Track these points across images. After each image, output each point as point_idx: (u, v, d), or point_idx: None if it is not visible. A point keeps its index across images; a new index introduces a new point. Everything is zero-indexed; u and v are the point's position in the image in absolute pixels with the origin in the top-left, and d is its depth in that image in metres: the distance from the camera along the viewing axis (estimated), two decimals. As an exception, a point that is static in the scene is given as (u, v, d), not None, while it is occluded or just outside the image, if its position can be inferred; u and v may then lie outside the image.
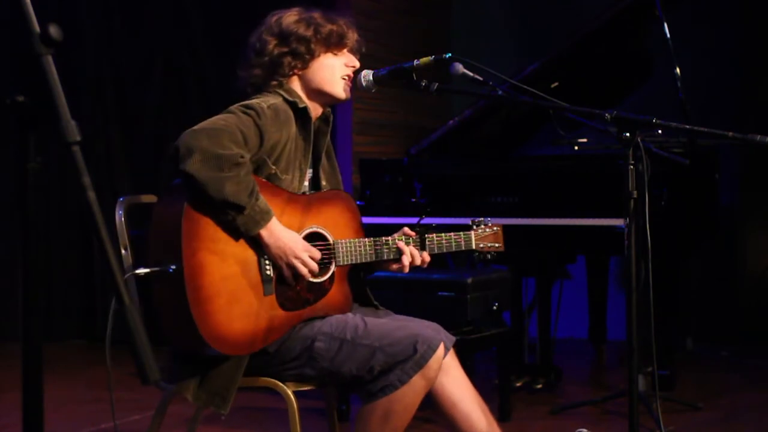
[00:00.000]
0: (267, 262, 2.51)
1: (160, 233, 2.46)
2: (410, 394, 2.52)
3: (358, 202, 4.67)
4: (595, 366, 5.54)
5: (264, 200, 2.46)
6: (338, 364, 2.54)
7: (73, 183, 6.04)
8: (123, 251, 2.61)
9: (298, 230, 2.57)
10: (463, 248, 2.85)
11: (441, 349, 2.54)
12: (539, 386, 4.51)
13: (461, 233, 2.85)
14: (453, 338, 2.64)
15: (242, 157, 2.42)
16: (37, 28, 1.43)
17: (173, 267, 2.36)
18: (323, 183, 2.78)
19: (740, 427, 4.06)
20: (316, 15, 2.72)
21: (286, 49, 2.67)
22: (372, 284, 2.86)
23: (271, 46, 2.67)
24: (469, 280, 3.85)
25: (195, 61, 6.36)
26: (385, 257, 2.71)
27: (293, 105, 2.64)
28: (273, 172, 2.58)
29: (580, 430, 3.40)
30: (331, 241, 2.63)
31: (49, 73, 1.43)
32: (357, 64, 2.77)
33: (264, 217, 2.45)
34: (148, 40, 6.37)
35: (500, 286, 4.05)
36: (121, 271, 1.48)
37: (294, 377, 2.60)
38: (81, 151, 1.43)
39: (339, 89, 2.73)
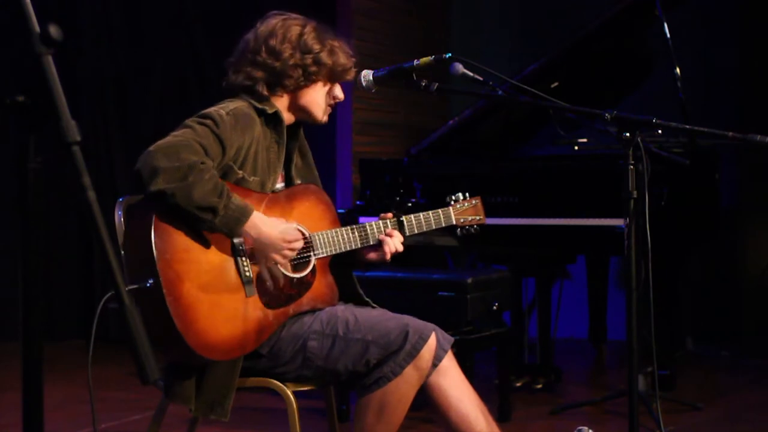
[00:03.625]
0: (245, 264, 2.50)
1: (133, 251, 2.45)
2: (404, 385, 2.52)
3: (357, 202, 4.70)
4: (595, 366, 5.54)
5: (238, 197, 2.45)
6: (333, 361, 2.55)
7: (73, 183, 6.03)
8: (122, 251, 2.61)
9: None
10: (444, 224, 2.86)
11: (433, 339, 2.54)
12: (539, 386, 4.51)
13: (439, 210, 2.86)
14: (451, 339, 2.64)
15: (203, 163, 2.41)
16: (37, 28, 1.43)
17: (150, 281, 2.35)
18: (297, 182, 2.79)
19: (740, 427, 4.06)
20: (334, 41, 2.73)
21: (301, 63, 2.67)
22: (372, 285, 2.87)
23: (287, 54, 2.66)
24: (469, 280, 3.85)
25: (195, 62, 6.36)
26: (365, 243, 2.71)
27: (261, 111, 2.64)
28: (240, 176, 2.57)
29: (581, 428, 3.39)
30: (308, 235, 2.63)
31: (49, 73, 1.43)
32: (342, 98, 2.80)
33: (244, 213, 2.44)
34: (148, 40, 6.36)
35: (500, 286, 4.05)
36: (121, 271, 1.47)
37: (293, 379, 2.60)
38: (81, 151, 1.43)
39: (322, 115, 2.76)
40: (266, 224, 2.49)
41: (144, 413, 4.13)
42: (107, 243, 1.43)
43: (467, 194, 2.91)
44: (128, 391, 4.49)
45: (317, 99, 2.72)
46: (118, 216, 2.68)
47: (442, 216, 2.85)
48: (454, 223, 2.88)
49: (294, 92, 2.71)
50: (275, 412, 4.19)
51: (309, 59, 2.67)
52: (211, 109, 2.57)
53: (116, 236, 2.63)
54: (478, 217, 2.91)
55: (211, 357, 2.42)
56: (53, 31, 1.42)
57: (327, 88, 2.74)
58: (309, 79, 2.69)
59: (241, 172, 2.57)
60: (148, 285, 2.35)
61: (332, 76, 2.72)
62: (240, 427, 3.97)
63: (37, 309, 1.48)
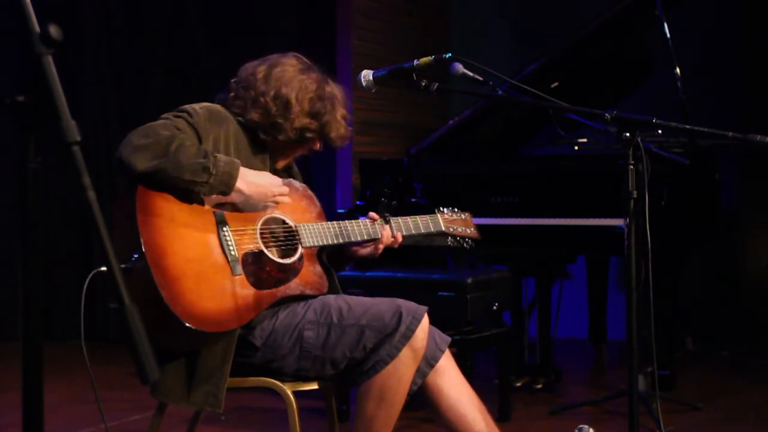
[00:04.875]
0: (229, 242, 2.50)
1: (120, 232, 2.46)
2: (401, 367, 2.53)
3: (357, 202, 4.70)
4: (595, 366, 5.54)
5: (221, 154, 2.48)
6: (331, 350, 2.55)
7: (73, 183, 6.04)
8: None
9: (259, 217, 2.59)
10: (433, 230, 2.86)
11: (425, 318, 2.56)
12: (539, 386, 4.51)
13: (427, 216, 2.87)
14: (448, 339, 2.65)
15: (180, 134, 2.44)
16: (37, 28, 1.43)
17: (136, 255, 2.36)
18: None
19: (740, 427, 4.06)
20: (343, 111, 2.73)
21: (303, 127, 2.67)
22: (372, 285, 2.87)
23: (294, 114, 2.64)
24: (469, 280, 3.85)
25: (195, 61, 6.36)
26: (351, 239, 2.72)
27: (238, 121, 2.66)
28: None
29: (582, 426, 3.40)
30: (293, 225, 2.65)
31: (49, 73, 1.43)
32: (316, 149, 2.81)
33: (233, 166, 2.47)
34: (148, 40, 6.37)
35: (500, 286, 4.05)
36: (121, 271, 1.47)
37: (293, 374, 2.60)
38: (81, 151, 1.43)
39: (283, 165, 2.80)
40: (255, 174, 2.54)
41: (144, 413, 4.13)
42: (107, 243, 1.44)
43: (456, 209, 2.94)
44: (128, 391, 4.49)
45: (296, 150, 2.77)
46: (118, 216, 2.68)
47: (430, 221, 2.86)
48: (443, 229, 2.87)
49: (279, 138, 2.70)
50: (275, 412, 4.19)
51: (314, 125, 2.68)
52: (185, 105, 2.61)
53: (116, 236, 2.64)
54: (469, 230, 2.92)
55: (204, 329, 2.39)
56: (53, 31, 1.42)
57: (311, 145, 2.77)
58: (300, 141, 2.71)
59: None
60: (133, 259, 2.35)
61: (324, 141, 2.75)
62: (240, 427, 3.98)
63: (37, 309, 1.48)
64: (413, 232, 2.82)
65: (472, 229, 2.93)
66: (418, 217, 2.85)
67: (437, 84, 2.67)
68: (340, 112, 2.72)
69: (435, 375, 2.60)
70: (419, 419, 3.81)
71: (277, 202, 2.57)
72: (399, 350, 2.52)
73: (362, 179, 4.78)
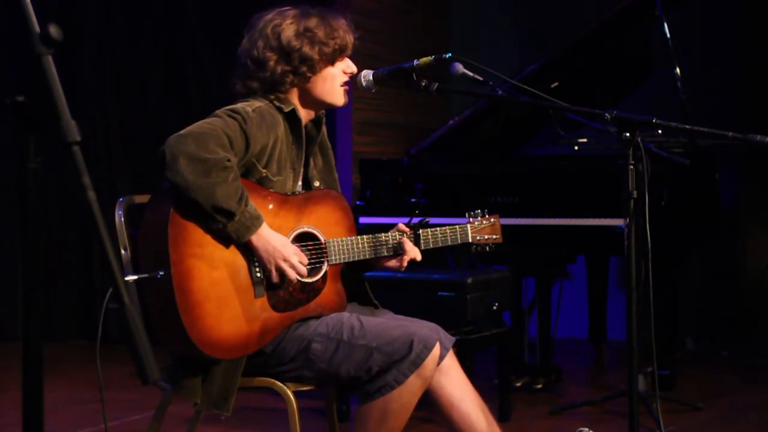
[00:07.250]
0: (256, 264, 2.50)
1: (148, 240, 2.47)
2: (406, 394, 2.52)
3: (357, 202, 4.70)
4: (595, 366, 5.54)
5: (253, 205, 2.45)
6: (336, 365, 2.54)
7: (73, 183, 6.04)
8: (123, 251, 2.61)
9: (290, 231, 2.57)
10: (459, 241, 2.83)
11: (437, 348, 2.54)
12: (539, 386, 4.51)
13: (456, 226, 2.83)
14: (452, 339, 2.64)
15: (229, 161, 2.41)
16: (37, 28, 1.43)
17: (162, 273, 2.37)
18: (316, 183, 2.77)
19: (740, 427, 4.06)
20: (314, 25, 2.65)
21: (288, 68, 2.63)
22: (371, 284, 2.86)
23: (272, 63, 2.63)
24: (469, 280, 3.85)
25: (195, 61, 6.36)
26: (380, 254, 2.71)
27: (279, 109, 2.63)
28: (264, 175, 2.57)
29: (582, 429, 3.40)
30: (323, 241, 2.63)
31: (49, 73, 1.43)
32: (355, 70, 2.74)
33: (254, 223, 2.45)
34: (148, 40, 6.37)
35: (500, 286, 4.05)
36: (121, 271, 1.48)
37: (293, 378, 2.60)
38: (81, 151, 1.43)
39: (338, 98, 2.72)
40: (271, 236, 2.49)
41: (144, 413, 4.13)
42: (107, 243, 1.44)
43: (486, 211, 2.89)
44: (128, 391, 4.49)
45: (325, 86, 2.69)
46: (118, 216, 2.68)
47: (459, 233, 2.83)
48: (470, 240, 2.85)
49: (299, 88, 2.68)
50: (275, 412, 4.19)
51: (295, 60, 2.63)
52: (238, 105, 2.56)
53: (116, 236, 2.64)
54: (494, 236, 2.88)
55: (213, 355, 2.43)
56: (53, 31, 1.42)
57: (332, 70, 2.69)
58: (304, 77, 2.65)
59: (265, 171, 2.57)
60: (158, 276, 2.36)
61: (330, 58, 2.67)
62: (240, 427, 3.98)
63: (37, 309, 1.48)
64: (440, 244, 2.79)
65: (497, 235, 2.89)
66: (447, 229, 2.80)
67: (437, 84, 2.67)
68: (311, 28, 2.63)
69: (439, 374, 2.59)
70: (420, 419, 3.81)
71: (282, 269, 2.50)
72: (406, 377, 2.50)
73: (362, 179, 4.78)
